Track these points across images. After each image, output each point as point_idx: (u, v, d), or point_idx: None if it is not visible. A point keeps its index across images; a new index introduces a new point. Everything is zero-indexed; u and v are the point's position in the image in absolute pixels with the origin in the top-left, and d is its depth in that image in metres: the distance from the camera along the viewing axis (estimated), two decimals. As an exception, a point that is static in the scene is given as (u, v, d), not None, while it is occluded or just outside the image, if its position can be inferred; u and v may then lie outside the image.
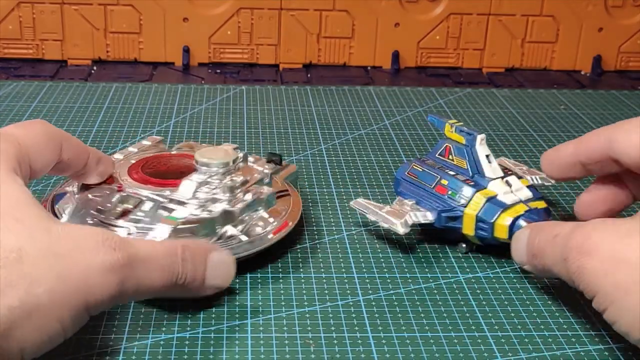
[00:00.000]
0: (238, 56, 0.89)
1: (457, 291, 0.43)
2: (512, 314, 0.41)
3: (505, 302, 0.42)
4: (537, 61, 0.91)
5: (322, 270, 0.45)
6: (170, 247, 0.37)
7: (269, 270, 0.45)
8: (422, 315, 0.41)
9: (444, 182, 0.47)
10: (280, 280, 0.44)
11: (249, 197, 0.45)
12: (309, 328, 0.40)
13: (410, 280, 0.44)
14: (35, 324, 0.31)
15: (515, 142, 0.67)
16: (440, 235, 0.48)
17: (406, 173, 0.49)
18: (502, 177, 0.47)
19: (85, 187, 0.47)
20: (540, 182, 0.50)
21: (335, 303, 0.42)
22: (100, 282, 0.33)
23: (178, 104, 0.74)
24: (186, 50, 0.88)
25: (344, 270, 0.45)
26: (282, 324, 0.40)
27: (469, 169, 0.47)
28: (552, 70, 0.92)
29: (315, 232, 0.49)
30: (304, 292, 0.43)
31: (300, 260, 0.46)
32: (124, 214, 0.44)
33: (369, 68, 0.90)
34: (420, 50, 0.90)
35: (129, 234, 0.42)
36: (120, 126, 0.67)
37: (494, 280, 0.45)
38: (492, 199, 0.45)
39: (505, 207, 0.45)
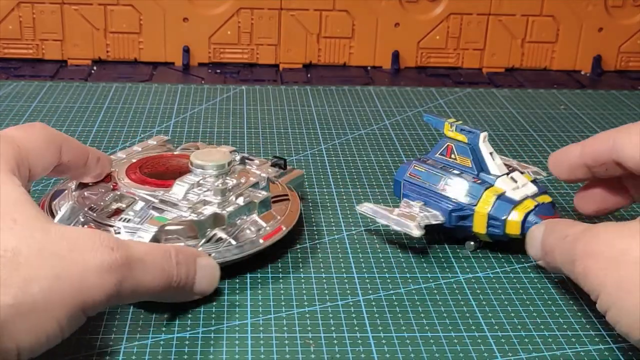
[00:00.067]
0: (238, 56, 0.89)
1: (457, 291, 0.43)
2: (512, 314, 0.41)
3: (505, 302, 0.42)
4: (537, 61, 0.91)
5: (322, 270, 0.45)
6: (165, 250, 0.38)
7: (269, 270, 0.45)
8: (422, 315, 0.41)
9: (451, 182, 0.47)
10: (280, 280, 0.44)
11: (240, 200, 0.45)
12: (309, 328, 0.40)
13: (410, 280, 0.44)
14: (31, 323, 0.31)
15: (515, 142, 0.67)
16: (446, 234, 0.48)
17: (408, 174, 0.49)
18: (507, 174, 0.47)
19: (82, 185, 0.47)
20: (532, 176, 0.50)
21: (335, 303, 0.42)
22: (97, 282, 0.33)
23: (178, 104, 0.74)
24: (186, 50, 0.88)
25: (344, 270, 0.45)
26: (282, 324, 0.40)
27: (474, 167, 0.47)
28: (552, 70, 0.92)
29: (315, 232, 0.49)
30: (304, 292, 0.43)
31: (300, 260, 0.46)
32: (116, 212, 0.44)
33: (369, 68, 0.90)
34: (420, 50, 0.90)
35: (117, 233, 0.42)
36: (120, 126, 0.67)
37: (494, 280, 0.45)
38: (501, 196, 0.46)
39: (515, 204, 0.45)
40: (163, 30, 0.87)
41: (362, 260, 0.46)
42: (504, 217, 0.45)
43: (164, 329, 0.39)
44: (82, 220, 0.44)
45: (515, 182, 0.47)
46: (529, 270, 0.46)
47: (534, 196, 0.46)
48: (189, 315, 0.40)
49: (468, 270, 0.46)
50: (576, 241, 0.37)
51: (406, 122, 0.71)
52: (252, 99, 0.76)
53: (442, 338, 0.39)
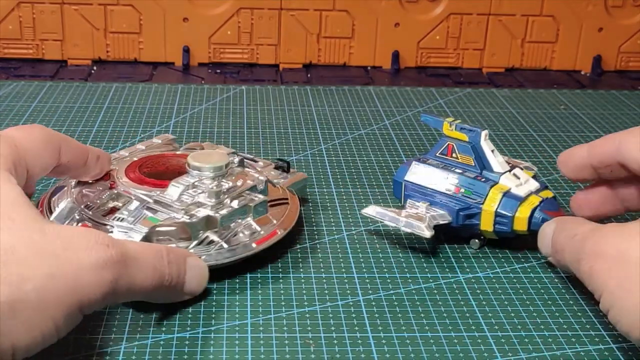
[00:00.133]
0: (238, 56, 0.89)
1: (457, 291, 0.43)
2: (512, 314, 0.41)
3: (505, 302, 0.42)
4: (537, 61, 0.91)
5: (322, 270, 0.45)
6: (157, 249, 0.38)
7: (269, 270, 0.45)
8: (422, 315, 0.41)
9: (455, 181, 0.47)
10: (280, 280, 0.44)
11: (235, 203, 0.44)
12: (309, 328, 0.40)
13: (410, 280, 0.44)
14: (26, 321, 0.31)
15: (515, 142, 0.67)
16: (451, 234, 0.48)
17: (409, 175, 0.49)
18: (509, 171, 0.48)
19: (81, 182, 0.47)
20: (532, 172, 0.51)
21: (335, 303, 0.42)
22: (93, 280, 0.33)
23: (178, 104, 0.74)
24: (186, 50, 0.88)
25: (344, 270, 0.45)
26: (282, 324, 0.40)
27: (477, 165, 0.48)
28: (552, 70, 0.92)
29: (315, 232, 0.49)
30: (304, 292, 0.43)
31: (300, 260, 0.46)
32: (112, 211, 0.44)
33: (369, 68, 0.90)
34: (420, 50, 0.90)
35: (110, 232, 0.42)
36: (120, 126, 0.67)
37: (494, 280, 0.45)
38: (507, 193, 0.46)
39: (521, 200, 0.46)
40: (163, 30, 0.87)
41: (362, 260, 0.46)
42: (511, 214, 0.45)
43: (164, 329, 0.39)
44: (77, 218, 0.44)
45: (518, 178, 0.47)
46: (529, 270, 0.46)
47: (537, 192, 0.47)
48: (189, 315, 0.40)
49: (468, 270, 0.46)
50: (584, 240, 0.38)
51: (406, 122, 0.71)
52: (252, 99, 0.76)
53: (442, 338, 0.39)
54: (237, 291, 0.43)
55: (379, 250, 0.47)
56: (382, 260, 0.46)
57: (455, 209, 0.46)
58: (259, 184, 0.47)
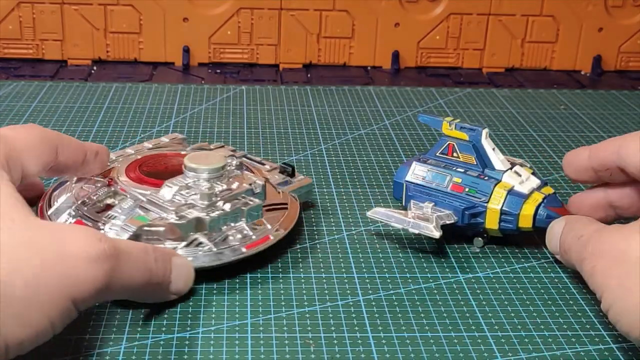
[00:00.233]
0: (238, 56, 0.89)
1: (457, 291, 0.43)
2: (512, 314, 0.41)
3: (505, 302, 0.42)
4: (537, 61, 0.91)
5: (322, 270, 0.45)
6: (145, 246, 0.38)
7: (269, 270, 0.45)
8: (422, 315, 0.41)
9: (457, 180, 0.47)
10: (280, 280, 0.44)
11: (227, 206, 0.44)
12: (309, 328, 0.40)
13: (410, 280, 0.44)
14: (17, 316, 0.31)
15: (515, 142, 0.67)
16: (455, 233, 0.48)
17: (411, 175, 0.49)
18: (510, 168, 0.48)
19: (81, 178, 0.47)
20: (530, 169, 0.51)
21: (335, 303, 0.42)
22: (86, 274, 0.33)
23: (178, 104, 0.74)
24: (186, 50, 0.88)
25: (344, 270, 0.45)
26: (282, 324, 0.40)
27: (478, 164, 0.48)
28: (552, 70, 0.92)
29: (315, 232, 0.49)
30: (304, 292, 0.43)
31: (300, 260, 0.46)
32: (107, 208, 0.44)
33: (369, 68, 0.90)
34: (420, 50, 0.90)
35: (100, 228, 0.42)
36: (120, 126, 0.67)
37: (494, 280, 0.45)
38: (511, 191, 0.46)
39: (525, 197, 0.46)
40: (163, 30, 0.87)
41: (362, 260, 0.46)
42: (517, 212, 0.46)
43: (164, 329, 0.39)
44: (73, 214, 0.44)
45: (520, 176, 0.47)
46: (529, 270, 0.46)
47: (538, 188, 0.47)
48: (189, 315, 0.40)
49: (468, 270, 0.46)
50: (588, 241, 0.39)
51: (406, 122, 0.71)
52: (252, 99, 0.76)
53: (442, 338, 0.39)
54: (237, 291, 0.43)
55: (379, 250, 0.47)
56: (382, 260, 0.46)
57: (460, 208, 0.46)
58: (256, 188, 0.47)
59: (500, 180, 0.47)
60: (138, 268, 0.37)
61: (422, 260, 0.47)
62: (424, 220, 0.45)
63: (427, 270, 0.45)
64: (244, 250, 0.43)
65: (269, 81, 0.84)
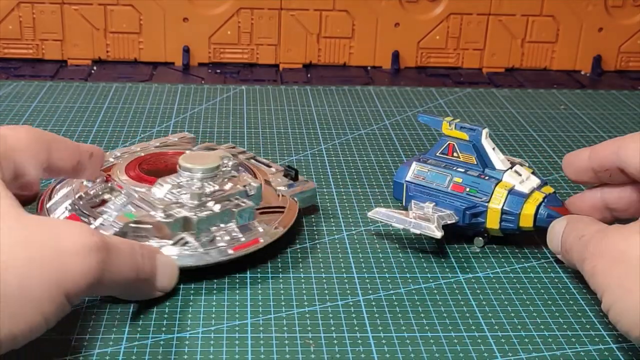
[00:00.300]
0: (238, 56, 0.89)
1: (457, 291, 0.43)
2: (512, 314, 0.41)
3: (505, 302, 0.42)
4: (537, 61, 0.91)
5: (322, 270, 0.45)
6: (131, 242, 0.39)
7: (269, 269, 0.45)
8: (422, 315, 0.41)
9: (458, 179, 0.47)
10: (280, 280, 0.44)
11: (217, 207, 0.44)
12: (309, 328, 0.40)
13: (410, 280, 0.44)
14: (9, 310, 0.31)
15: (515, 142, 0.67)
16: (456, 232, 0.48)
17: (411, 176, 0.49)
18: (510, 168, 0.48)
19: None
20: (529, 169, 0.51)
21: (335, 303, 0.42)
22: (78, 266, 0.33)
23: (178, 104, 0.74)
24: (186, 50, 0.88)
25: (344, 270, 0.45)
26: (282, 324, 0.40)
27: (479, 163, 0.48)
28: (552, 70, 0.92)
29: (315, 232, 0.49)
30: (304, 292, 0.43)
31: (300, 260, 0.46)
32: (102, 204, 0.45)
33: (369, 68, 0.90)
34: (420, 50, 0.90)
35: (90, 223, 0.43)
36: (120, 126, 0.67)
37: (494, 280, 0.45)
38: (512, 191, 0.46)
39: (526, 197, 0.46)
40: (163, 30, 0.87)
41: (362, 260, 0.46)
42: (518, 211, 0.46)
43: (164, 329, 0.39)
44: (69, 208, 0.45)
45: (520, 175, 0.47)
46: (529, 270, 0.46)
47: (539, 188, 0.47)
48: (189, 315, 0.40)
49: (468, 270, 0.46)
50: (589, 241, 0.39)
51: (406, 122, 0.71)
52: (252, 99, 0.76)
53: (442, 338, 0.39)
54: (237, 291, 0.43)
55: (379, 250, 0.47)
56: (382, 260, 0.46)
57: (462, 208, 0.46)
58: (250, 190, 0.46)
59: (501, 180, 0.47)
60: (126, 263, 0.37)
61: (422, 260, 0.47)
62: (426, 221, 0.45)
63: (427, 270, 0.45)
64: (230, 252, 0.43)
65: (269, 81, 0.84)
